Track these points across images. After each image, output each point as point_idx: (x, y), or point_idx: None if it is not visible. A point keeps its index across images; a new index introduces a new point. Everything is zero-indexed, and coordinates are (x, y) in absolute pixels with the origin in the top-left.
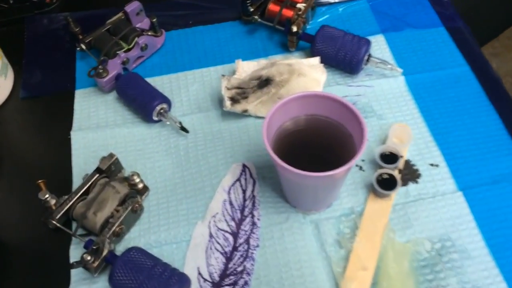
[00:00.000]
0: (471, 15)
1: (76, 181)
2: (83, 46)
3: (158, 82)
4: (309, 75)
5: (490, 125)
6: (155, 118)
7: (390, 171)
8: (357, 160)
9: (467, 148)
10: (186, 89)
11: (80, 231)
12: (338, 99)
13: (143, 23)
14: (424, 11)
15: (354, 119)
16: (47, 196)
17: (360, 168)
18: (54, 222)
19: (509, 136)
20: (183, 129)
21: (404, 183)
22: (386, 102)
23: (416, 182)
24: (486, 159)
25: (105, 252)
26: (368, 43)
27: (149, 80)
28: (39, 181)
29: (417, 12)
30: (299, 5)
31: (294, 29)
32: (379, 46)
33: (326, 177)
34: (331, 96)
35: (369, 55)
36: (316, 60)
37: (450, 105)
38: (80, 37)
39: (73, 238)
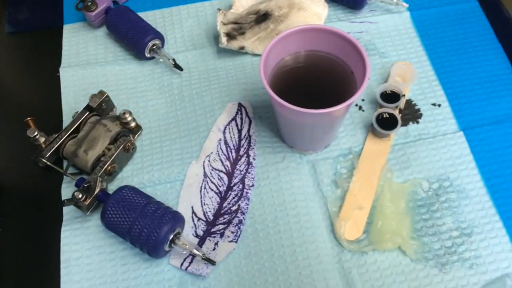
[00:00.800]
0: None
1: (66, 120)
2: None
3: (151, 17)
4: (309, 10)
5: (497, 64)
6: (147, 55)
7: (391, 111)
8: (357, 98)
9: (472, 88)
10: (180, 24)
11: (71, 170)
12: (341, 33)
13: None
14: None
15: (356, 54)
16: (36, 133)
17: (360, 108)
18: (44, 160)
19: None
20: (177, 66)
21: (405, 123)
22: (390, 39)
23: (417, 122)
24: (490, 99)
25: (97, 190)
26: None
27: (141, 14)
28: (27, 118)
29: None
30: None
31: None
32: None
33: (324, 115)
34: (333, 30)
35: None
36: None
37: (456, 42)
38: None
39: (65, 177)
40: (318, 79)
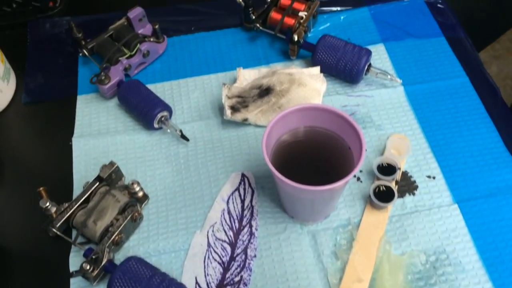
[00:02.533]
0: (469, 19)
1: (77, 188)
2: (86, 52)
3: (160, 88)
4: (309, 85)
5: (488, 137)
6: (156, 126)
7: (387, 183)
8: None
9: (464, 161)
10: (187, 96)
11: (80, 239)
12: (337, 112)
13: (145, 29)
14: (425, 20)
15: (352, 132)
16: (47, 204)
17: (358, 179)
18: (54, 230)
19: (506, 149)
20: (184, 137)
21: (401, 195)
22: (385, 112)
23: (413, 194)
24: (482, 172)
25: (104, 261)
26: (368, 53)
27: (151, 86)
28: (40, 188)
29: (418, 21)
30: (301, 14)
31: (295, 38)
32: (379, 55)
33: (323, 191)
34: (330, 108)
35: (369, 65)
36: (316, 69)
37: (448, 116)
38: (83, 42)
39: (73, 246)
40: (317, 153)
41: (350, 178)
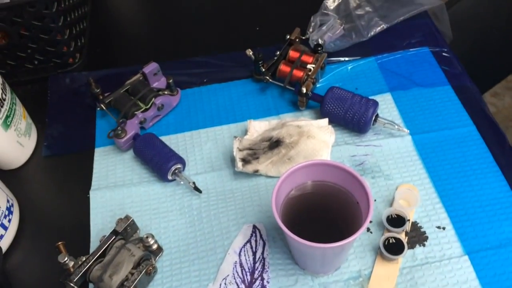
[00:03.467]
0: (473, 62)
1: (94, 241)
2: (103, 106)
3: (173, 140)
4: (318, 137)
5: (496, 187)
6: (170, 178)
7: (397, 235)
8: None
9: (474, 211)
10: (200, 147)
11: None
12: (344, 167)
13: (160, 82)
14: (430, 69)
15: (360, 186)
16: (66, 259)
17: (368, 230)
18: (72, 284)
19: None
20: (197, 189)
21: (411, 246)
22: (393, 162)
23: (423, 245)
24: (492, 222)
25: None
26: (375, 104)
27: (165, 138)
28: (59, 243)
29: (424, 70)
30: (309, 66)
31: (304, 90)
32: (386, 105)
33: (333, 247)
34: (337, 164)
35: (377, 115)
36: (325, 121)
37: (457, 165)
38: (101, 97)
39: None
40: (326, 207)
41: (359, 234)
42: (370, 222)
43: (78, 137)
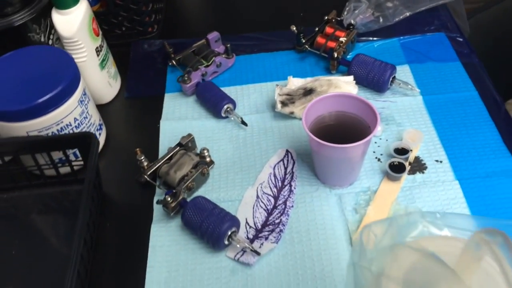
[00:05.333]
0: (495, 69)
1: (162, 154)
2: (174, 62)
3: (227, 91)
4: (343, 88)
5: (490, 136)
6: (223, 115)
7: (401, 160)
8: (371, 138)
9: (468, 151)
10: (248, 96)
11: (162, 187)
12: (361, 98)
13: (219, 48)
14: (444, 49)
15: (371, 113)
16: (142, 158)
17: (379, 159)
18: (146, 176)
19: (504, 144)
20: (243, 122)
21: (413, 173)
22: (405, 114)
23: (423, 172)
24: (481, 159)
25: (180, 197)
26: (393, 67)
27: (221, 89)
28: (137, 149)
29: (439, 49)
30: (341, 39)
31: (335, 55)
32: (404, 73)
33: (347, 149)
34: (355, 96)
35: (394, 77)
36: (350, 78)
37: (458, 119)
38: (172, 55)
39: (157, 192)
40: (344, 132)
41: (366, 140)
42: (381, 154)
43: (152, 86)
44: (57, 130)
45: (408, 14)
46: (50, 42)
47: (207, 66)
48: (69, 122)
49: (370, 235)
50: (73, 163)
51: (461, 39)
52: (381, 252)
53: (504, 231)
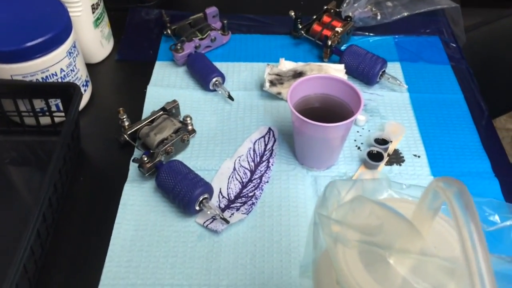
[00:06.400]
0: (485, 85)
1: (145, 115)
2: (169, 31)
3: (218, 66)
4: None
5: (469, 137)
6: (210, 87)
7: (380, 150)
8: (351, 121)
9: (446, 149)
10: (238, 73)
11: (140, 148)
12: (346, 82)
13: (216, 24)
14: (437, 52)
15: (356, 98)
16: (124, 117)
17: (359, 148)
18: (125, 136)
19: (482, 147)
20: (230, 97)
21: (390, 164)
22: (390, 108)
23: (400, 165)
24: (459, 159)
25: (157, 159)
26: (384, 61)
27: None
28: (119, 108)
29: (432, 51)
30: (337, 29)
31: (329, 43)
32: (395, 70)
33: (328, 129)
34: (341, 79)
35: (384, 72)
36: (341, 66)
37: (441, 119)
38: (168, 24)
39: (135, 152)
40: (327, 115)
41: (347, 123)
42: (361, 143)
43: (144, 51)
44: (42, 78)
45: (406, 14)
46: None
47: (202, 39)
48: (55, 72)
49: (333, 191)
50: (54, 114)
51: (454, 45)
52: (342, 205)
53: (461, 181)
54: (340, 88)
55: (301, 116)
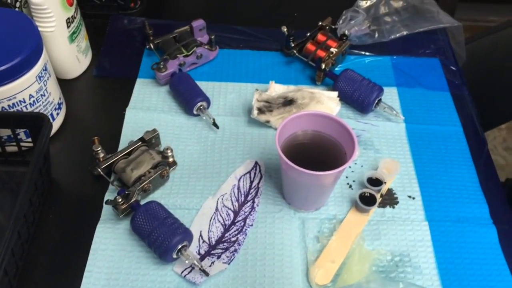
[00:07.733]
0: (483, 98)
1: (122, 145)
2: (152, 46)
3: (204, 86)
4: (325, 104)
5: (467, 178)
6: (194, 112)
7: (373, 192)
8: (344, 169)
9: (443, 191)
10: (225, 96)
11: (116, 183)
12: (340, 121)
13: (203, 38)
14: (436, 76)
15: (350, 140)
16: (98, 149)
17: (350, 186)
18: (99, 170)
19: (480, 189)
20: (215, 124)
21: (383, 206)
22: (385, 140)
23: (393, 207)
24: (456, 202)
25: (132, 200)
26: (380, 89)
27: (197, 83)
28: (94, 137)
29: (430, 75)
30: (332, 49)
31: (323, 66)
32: (391, 96)
33: (318, 176)
34: (335, 118)
35: (380, 100)
36: (334, 94)
37: (438, 154)
38: (151, 38)
39: (110, 187)
40: (318, 153)
41: (338, 171)
42: (353, 181)
43: (125, 67)
44: (8, 106)
45: (405, 33)
46: (18, 4)
47: (187, 56)
48: (23, 99)
49: None
50: (22, 144)
51: (454, 68)
52: None
53: None
54: (333, 127)
55: (288, 161)
